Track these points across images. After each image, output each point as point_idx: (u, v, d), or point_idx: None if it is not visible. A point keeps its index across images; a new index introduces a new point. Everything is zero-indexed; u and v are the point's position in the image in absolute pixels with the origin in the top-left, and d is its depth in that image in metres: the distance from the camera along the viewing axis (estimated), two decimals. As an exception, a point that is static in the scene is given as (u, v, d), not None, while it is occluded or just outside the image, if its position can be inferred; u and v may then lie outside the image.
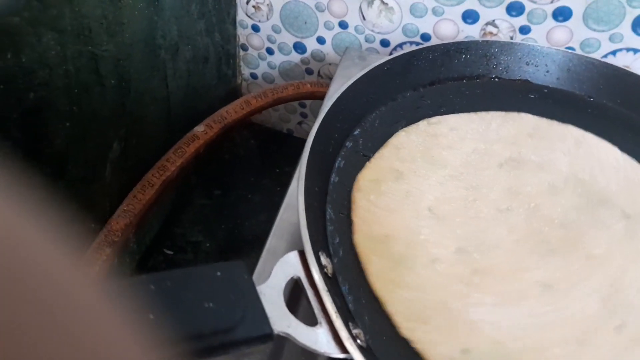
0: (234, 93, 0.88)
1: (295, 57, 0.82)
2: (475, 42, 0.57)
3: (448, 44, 0.56)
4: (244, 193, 0.84)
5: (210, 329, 0.28)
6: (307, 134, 0.88)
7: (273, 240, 0.47)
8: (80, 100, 0.48)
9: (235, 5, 0.78)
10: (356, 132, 0.51)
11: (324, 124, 0.46)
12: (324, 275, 0.36)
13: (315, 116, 0.89)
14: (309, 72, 0.83)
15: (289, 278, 0.35)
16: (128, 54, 0.54)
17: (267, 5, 0.76)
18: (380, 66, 0.53)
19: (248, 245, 0.79)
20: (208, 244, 0.77)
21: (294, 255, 0.36)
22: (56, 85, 0.44)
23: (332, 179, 0.47)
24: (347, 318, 0.35)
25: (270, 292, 0.33)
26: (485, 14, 0.67)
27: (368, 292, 0.39)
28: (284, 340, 0.39)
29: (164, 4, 0.58)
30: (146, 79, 0.59)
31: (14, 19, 0.38)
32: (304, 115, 0.91)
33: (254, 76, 0.87)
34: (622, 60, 0.65)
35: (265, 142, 0.92)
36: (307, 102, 0.88)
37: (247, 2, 0.77)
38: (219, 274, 0.31)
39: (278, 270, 0.35)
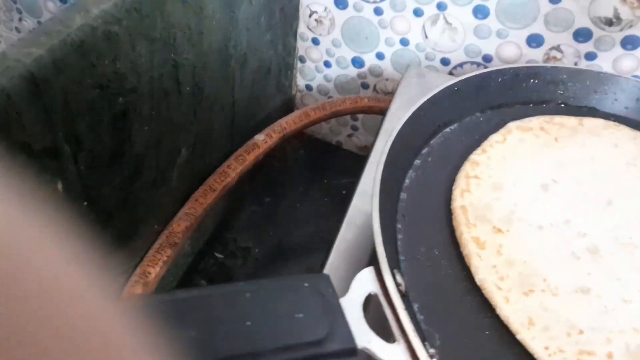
0: (289, 103, 0.89)
1: (352, 71, 0.83)
2: (545, 68, 0.57)
3: (518, 67, 0.56)
4: (293, 202, 0.85)
5: (301, 340, 0.29)
6: (357, 146, 0.90)
7: (333, 257, 0.48)
8: (160, 106, 0.50)
9: (297, 19, 0.79)
10: (424, 151, 0.51)
11: (395, 142, 0.47)
12: (400, 292, 0.36)
13: (367, 130, 0.90)
14: (365, 86, 0.84)
15: (367, 294, 0.35)
16: (204, 63, 0.56)
17: (330, 19, 0.78)
18: (451, 87, 0.53)
19: (295, 254, 0.80)
20: (257, 250, 0.78)
21: (369, 272, 0.37)
22: (142, 91, 0.46)
23: (401, 196, 0.47)
24: (422, 338, 0.35)
25: (351, 306, 0.34)
26: (551, 39, 0.67)
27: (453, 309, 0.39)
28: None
29: (239, 16, 0.59)
30: (217, 88, 0.61)
31: (114, 27, 0.40)
32: (354, 129, 0.92)
33: (308, 88, 0.89)
34: (690, 92, 0.64)
35: (314, 153, 0.93)
36: (360, 116, 0.89)
37: (310, 16, 0.79)
38: (306, 284, 0.31)
39: (355, 285, 0.35)
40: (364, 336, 0.32)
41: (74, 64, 0.39)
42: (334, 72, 0.84)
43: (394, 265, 0.39)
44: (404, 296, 0.38)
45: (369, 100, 0.77)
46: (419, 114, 0.51)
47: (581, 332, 0.39)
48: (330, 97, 0.88)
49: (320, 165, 0.92)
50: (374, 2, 0.73)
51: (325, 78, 0.86)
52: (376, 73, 0.81)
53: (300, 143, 0.94)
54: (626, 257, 0.44)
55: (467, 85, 0.54)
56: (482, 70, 0.55)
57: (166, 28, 0.47)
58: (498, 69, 0.55)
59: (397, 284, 0.37)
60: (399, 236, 0.44)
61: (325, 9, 0.77)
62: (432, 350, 0.35)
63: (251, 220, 0.81)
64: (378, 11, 0.74)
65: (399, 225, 0.45)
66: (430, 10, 0.70)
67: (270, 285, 0.30)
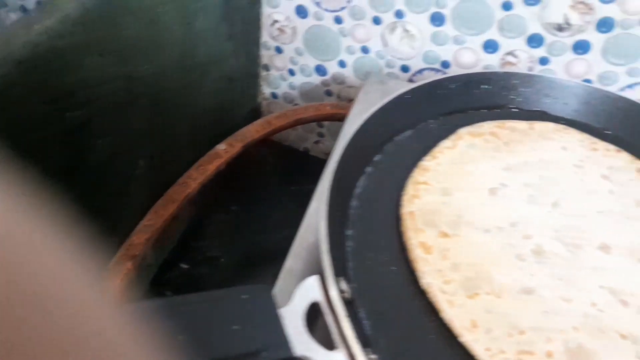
0: (255, 112, 0.90)
1: (316, 78, 0.84)
2: (497, 74, 0.58)
3: (470, 74, 0.58)
4: (261, 209, 0.85)
5: (237, 352, 0.29)
6: (324, 153, 0.90)
7: (291, 261, 0.48)
8: (115, 119, 0.50)
9: (260, 28, 0.80)
10: (376, 158, 0.52)
11: (347, 149, 0.48)
12: (343, 300, 0.37)
13: (332, 136, 0.91)
14: (329, 93, 0.85)
15: (309, 302, 0.36)
16: (161, 74, 0.56)
17: (292, 28, 0.79)
18: (403, 95, 0.54)
19: (264, 262, 0.80)
20: (224, 259, 0.78)
21: (314, 280, 0.38)
22: (95, 105, 0.46)
23: (352, 203, 0.48)
24: (364, 344, 0.36)
25: (292, 315, 0.34)
26: (506, 44, 0.68)
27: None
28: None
29: (196, 26, 0.60)
30: (176, 98, 0.61)
31: (59, 42, 0.40)
32: (321, 135, 0.93)
33: (274, 96, 0.89)
34: (639, 94, 0.66)
35: (282, 160, 0.94)
36: (325, 123, 0.89)
37: (272, 25, 0.79)
38: (244, 296, 0.32)
39: (299, 294, 0.36)
40: (303, 345, 0.33)
41: (19, 82, 0.39)
42: (298, 80, 0.85)
43: (339, 272, 0.40)
44: (349, 303, 0.39)
45: (332, 107, 0.78)
46: (372, 122, 0.52)
47: (523, 332, 0.40)
48: (296, 104, 0.89)
49: (288, 172, 0.93)
50: (334, 11, 0.74)
51: (290, 86, 0.87)
52: (339, 81, 0.82)
53: (268, 150, 0.94)
54: (570, 257, 0.45)
55: (419, 93, 0.55)
56: (433, 78, 0.56)
57: (116, 42, 0.47)
58: (449, 76, 0.57)
59: (342, 292, 0.38)
60: (349, 243, 0.45)
61: (287, 17, 0.78)
62: (373, 356, 0.36)
63: (218, 229, 0.81)
64: (338, 20, 0.75)
65: (349, 232, 0.46)
66: (388, 18, 0.72)
67: (206, 298, 0.30)
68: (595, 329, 0.41)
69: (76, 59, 0.43)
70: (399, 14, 0.71)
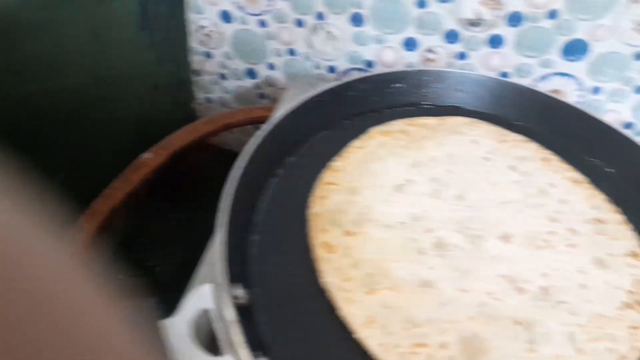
0: (191, 117, 0.90)
1: (249, 82, 0.84)
2: (407, 72, 0.59)
3: (380, 74, 0.59)
4: (200, 216, 0.85)
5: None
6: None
7: (202, 273, 0.49)
8: (24, 134, 0.50)
9: (187, 34, 0.80)
10: (288, 161, 0.53)
11: (253, 155, 0.49)
12: (236, 306, 0.38)
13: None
14: (262, 96, 0.85)
15: (200, 310, 0.37)
16: (73, 87, 0.56)
17: (219, 33, 0.79)
18: (314, 98, 0.55)
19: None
20: (160, 268, 0.78)
21: (207, 288, 0.38)
22: (2, 122, 0.46)
23: (260, 208, 0.49)
24: (256, 348, 0.36)
25: (178, 325, 0.35)
26: (425, 41, 0.70)
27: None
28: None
29: (109, 38, 0.60)
30: (93, 110, 0.61)
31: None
32: (262, 137, 0.93)
33: (209, 100, 0.89)
34: (554, 84, 0.68)
35: (222, 164, 0.94)
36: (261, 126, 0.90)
37: (199, 31, 0.80)
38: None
39: (189, 302, 0.37)
40: (186, 353, 0.34)
41: None
42: (231, 84, 0.86)
43: (238, 278, 0.40)
44: (244, 309, 0.39)
45: (262, 110, 0.78)
46: (283, 125, 0.53)
47: (418, 325, 0.41)
48: (233, 107, 0.89)
49: (227, 176, 0.93)
50: (257, 14, 0.74)
51: (224, 90, 0.87)
52: (271, 83, 0.83)
53: (207, 155, 0.94)
54: (470, 248, 0.47)
55: (330, 94, 0.56)
56: (342, 80, 0.57)
57: (18, 58, 0.47)
58: (360, 77, 0.58)
59: (235, 298, 0.39)
60: (254, 248, 0.45)
61: (213, 23, 0.78)
62: (262, 359, 0.36)
63: (155, 239, 0.81)
64: (262, 23, 0.75)
65: (255, 237, 0.46)
66: (310, 20, 0.72)
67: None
68: (490, 317, 0.42)
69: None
70: (319, 16, 0.71)
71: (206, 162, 0.93)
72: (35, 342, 0.11)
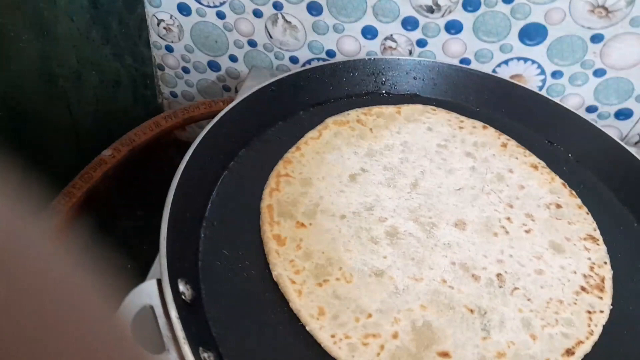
0: (156, 112, 0.88)
1: (211, 74, 0.83)
2: (363, 60, 0.59)
3: (335, 63, 0.58)
4: (168, 212, 0.84)
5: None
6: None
7: (157, 267, 0.48)
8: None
9: (147, 28, 0.78)
10: (241, 153, 0.52)
11: (202, 147, 0.48)
12: (181, 302, 0.37)
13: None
14: (226, 88, 0.84)
15: (140, 308, 0.36)
16: (17, 86, 0.54)
17: (178, 26, 0.77)
18: (266, 87, 0.54)
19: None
20: (130, 266, 0.77)
21: (151, 284, 0.37)
22: None
23: (211, 201, 0.48)
24: (200, 343, 0.36)
25: (117, 322, 0.34)
26: (383, 29, 0.69)
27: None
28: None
29: (57, 34, 0.58)
30: (44, 109, 0.59)
31: None
32: (229, 131, 0.92)
33: (174, 95, 0.88)
34: (514, 69, 0.68)
35: (191, 160, 0.93)
36: (230, 118, 0.89)
37: (158, 24, 0.78)
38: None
39: (129, 300, 0.36)
40: (126, 351, 0.33)
41: None
42: (193, 77, 0.84)
43: (180, 274, 0.40)
44: (189, 305, 0.39)
45: (224, 103, 0.77)
46: (233, 117, 0.52)
47: (370, 315, 0.40)
48: (187, 104, 0.88)
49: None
50: (215, 6, 0.73)
51: (187, 84, 0.86)
52: (234, 75, 0.82)
53: (177, 151, 0.93)
54: (423, 236, 0.46)
55: (283, 85, 0.55)
56: (296, 70, 0.56)
57: (-50, 57, 0.45)
58: (313, 67, 0.57)
59: (179, 294, 0.38)
60: (202, 244, 0.44)
61: (171, 16, 0.76)
62: (205, 354, 0.36)
63: (123, 236, 0.80)
64: (220, 14, 0.74)
65: (205, 232, 0.45)
66: (268, 10, 0.71)
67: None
68: (444, 305, 0.42)
69: None
70: (277, 6, 0.70)
71: (174, 157, 0.92)
72: (17, 322, 0.11)
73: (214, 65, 0.81)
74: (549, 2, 0.61)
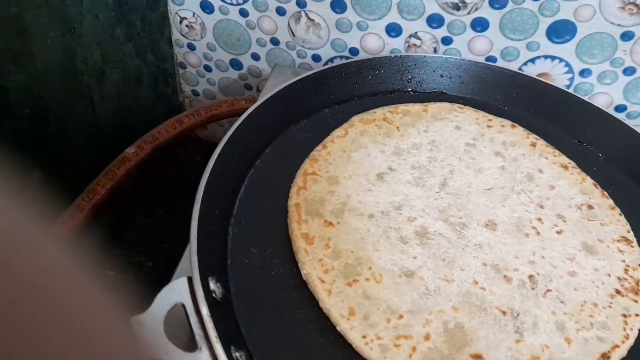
0: (177, 110, 0.88)
1: (233, 73, 0.83)
2: (388, 58, 0.58)
3: (360, 60, 0.57)
4: (188, 211, 0.84)
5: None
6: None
7: (182, 269, 0.48)
8: (-10, 132, 0.49)
9: (169, 26, 0.78)
10: (267, 151, 0.52)
11: (229, 145, 0.47)
12: (212, 300, 0.37)
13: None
14: (248, 87, 0.84)
15: (172, 305, 0.35)
16: (42, 82, 0.54)
17: (200, 24, 0.77)
18: (293, 85, 0.54)
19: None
20: (150, 264, 0.77)
21: (181, 282, 0.37)
22: (-42, 120, 0.45)
23: (238, 200, 0.47)
24: (231, 341, 0.35)
25: (150, 320, 0.34)
26: (408, 27, 0.68)
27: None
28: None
29: (82, 31, 0.58)
30: (68, 105, 0.60)
31: None
32: (249, 130, 0.92)
33: (195, 93, 0.88)
34: (541, 68, 0.67)
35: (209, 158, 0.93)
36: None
37: (181, 22, 0.78)
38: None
39: (162, 297, 0.35)
40: (160, 348, 0.32)
41: None
42: (215, 75, 0.84)
43: (210, 272, 0.39)
44: (219, 303, 0.38)
45: (247, 102, 0.77)
46: (259, 115, 0.51)
47: (401, 316, 0.40)
48: (210, 102, 0.88)
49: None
50: (238, 4, 0.73)
51: (209, 82, 0.86)
52: (255, 74, 0.81)
53: (196, 149, 0.93)
54: (454, 237, 0.46)
55: (309, 82, 0.55)
56: (322, 67, 0.56)
57: (-20, 53, 0.46)
58: (339, 64, 0.56)
59: (210, 292, 0.38)
60: (231, 241, 0.44)
61: (194, 14, 0.76)
62: (237, 353, 0.35)
63: (143, 234, 0.80)
64: (243, 12, 0.74)
65: (233, 230, 0.45)
66: (291, 8, 0.71)
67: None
68: (476, 307, 0.41)
69: None
70: (300, 3, 0.70)
71: (194, 155, 0.92)
72: (23, 328, 0.11)
73: (236, 64, 0.81)
74: (578, -1, 0.60)
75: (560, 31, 0.63)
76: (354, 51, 0.73)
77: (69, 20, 0.56)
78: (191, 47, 0.81)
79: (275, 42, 0.76)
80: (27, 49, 0.50)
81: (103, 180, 0.65)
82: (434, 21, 0.67)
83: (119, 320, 0.15)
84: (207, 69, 0.83)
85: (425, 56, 0.59)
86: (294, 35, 0.74)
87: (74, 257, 0.14)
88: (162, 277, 0.77)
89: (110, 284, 0.15)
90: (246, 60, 0.80)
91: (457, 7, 0.65)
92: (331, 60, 0.75)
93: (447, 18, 0.66)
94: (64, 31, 0.55)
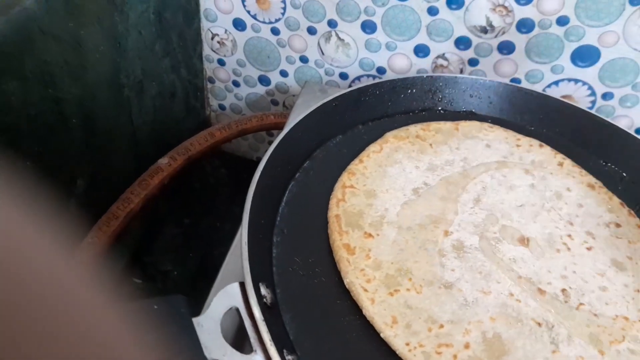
0: (204, 124, 0.90)
1: (261, 89, 0.85)
2: (421, 78, 0.60)
3: (394, 80, 0.60)
4: (214, 221, 0.86)
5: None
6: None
7: (224, 274, 0.49)
8: (44, 142, 0.51)
9: (201, 42, 0.81)
10: (306, 165, 0.54)
11: (272, 158, 0.49)
12: (263, 305, 0.38)
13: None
14: (275, 103, 0.86)
15: (227, 309, 0.37)
16: (92, 95, 0.57)
17: (231, 41, 0.80)
18: (329, 102, 0.56)
19: (217, 274, 0.81)
20: (177, 273, 0.79)
21: (234, 287, 0.39)
22: (20, 129, 0.47)
23: (280, 210, 0.49)
24: (283, 345, 0.37)
25: (208, 322, 0.35)
26: (436, 48, 0.71)
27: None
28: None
29: (127, 46, 0.61)
30: (111, 117, 0.62)
31: (-27, 69, 0.41)
32: (272, 144, 0.94)
33: (222, 107, 0.90)
34: (564, 90, 0.69)
35: (235, 171, 0.95)
36: (274, 132, 0.91)
37: (212, 38, 0.81)
38: (155, 307, 0.33)
39: (217, 301, 0.37)
40: (219, 350, 0.34)
41: None
42: (243, 91, 0.87)
43: (260, 278, 0.41)
44: (269, 308, 0.40)
45: (275, 117, 0.79)
46: (298, 130, 0.53)
47: (442, 326, 0.41)
48: (244, 115, 0.90)
49: (241, 183, 0.94)
50: (270, 22, 0.76)
51: (236, 97, 0.88)
52: (283, 90, 0.84)
53: (221, 162, 0.95)
54: (489, 251, 0.47)
55: (345, 100, 0.57)
56: (358, 85, 0.58)
57: (39, 66, 0.48)
58: (374, 82, 0.58)
59: (262, 297, 0.39)
60: (275, 249, 0.46)
61: (226, 31, 0.79)
62: (290, 357, 0.37)
63: (170, 243, 0.82)
64: (275, 31, 0.76)
65: (277, 239, 0.47)
66: (322, 27, 0.73)
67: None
68: (512, 318, 0.43)
69: (-5, 84, 0.44)
70: (332, 24, 0.72)
71: (219, 168, 0.94)
72: (33, 339, 0.11)
73: (264, 80, 0.83)
74: (603, 25, 0.63)
75: (585, 56, 0.66)
76: (381, 70, 0.75)
77: (117, 36, 0.58)
78: (221, 63, 0.84)
79: (304, 59, 0.78)
80: (80, 63, 0.53)
81: (137, 189, 0.67)
82: (462, 43, 0.69)
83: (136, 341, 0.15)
84: (236, 84, 0.86)
85: (456, 77, 0.61)
86: (323, 53, 0.76)
87: (93, 282, 0.14)
88: (188, 286, 0.79)
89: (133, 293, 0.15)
90: (274, 77, 0.83)
91: (484, 31, 0.67)
92: (358, 78, 0.78)
93: (475, 40, 0.68)
94: (111, 46, 0.58)
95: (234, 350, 0.34)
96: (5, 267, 0.12)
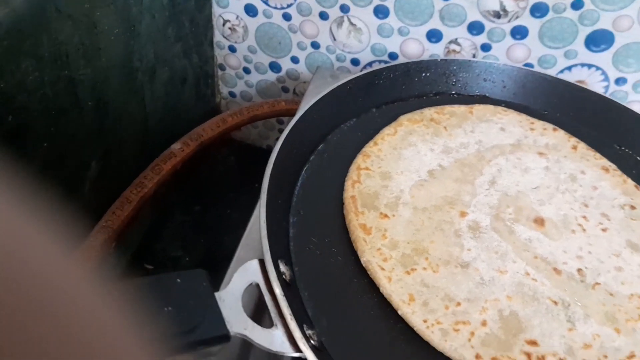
0: (214, 111, 0.91)
1: (271, 75, 0.85)
2: (435, 61, 0.60)
3: (408, 63, 0.60)
4: (224, 209, 0.86)
5: (171, 331, 0.30)
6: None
7: (242, 252, 0.50)
8: (58, 123, 0.51)
9: (212, 28, 0.81)
10: (320, 147, 0.54)
11: (288, 141, 0.49)
12: (282, 281, 0.38)
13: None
14: (285, 90, 0.86)
15: (248, 284, 0.37)
16: (105, 77, 0.57)
17: (243, 27, 0.80)
18: (343, 85, 0.56)
19: (227, 260, 0.81)
20: (187, 259, 0.79)
21: (254, 263, 0.39)
22: (35, 109, 0.47)
23: (296, 191, 0.49)
24: (302, 321, 0.37)
25: (229, 297, 0.35)
26: (448, 33, 0.70)
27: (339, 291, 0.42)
28: (250, 344, 0.41)
29: (140, 29, 0.61)
30: (124, 101, 0.62)
31: (-8, 48, 0.41)
32: (281, 132, 0.94)
33: (232, 94, 0.90)
34: (577, 75, 0.69)
35: (244, 158, 0.95)
36: (285, 119, 0.91)
37: (224, 24, 0.81)
38: (178, 281, 0.33)
39: (237, 277, 0.37)
40: (240, 323, 0.34)
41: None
42: (254, 77, 0.87)
43: (279, 256, 0.41)
44: (288, 285, 0.40)
45: (286, 103, 0.79)
46: (312, 113, 0.53)
47: (458, 304, 0.42)
48: (254, 102, 0.90)
49: (250, 170, 0.94)
50: (282, 8, 0.75)
51: (247, 84, 0.88)
52: (293, 77, 0.84)
53: (230, 149, 0.95)
54: (505, 232, 0.47)
55: (359, 83, 0.57)
56: (371, 69, 0.58)
57: (55, 46, 0.48)
58: (388, 65, 0.58)
59: (281, 274, 0.40)
60: (292, 229, 0.46)
61: (237, 17, 0.79)
62: (310, 332, 0.37)
63: (181, 230, 0.82)
64: (286, 16, 0.76)
65: (293, 219, 0.47)
66: (334, 13, 0.73)
67: (138, 283, 0.32)
68: (528, 297, 0.43)
69: (12, 63, 0.44)
70: (344, 9, 0.72)
71: (228, 156, 0.94)
72: (33, 337, 0.11)
73: (275, 67, 0.83)
74: (617, 9, 0.62)
75: (599, 40, 0.65)
76: (393, 56, 0.75)
77: (131, 19, 0.58)
78: (232, 49, 0.84)
79: (315, 45, 0.78)
80: (95, 44, 0.53)
81: (150, 174, 0.68)
82: (475, 28, 0.69)
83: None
84: (246, 70, 0.86)
85: (470, 60, 0.61)
86: (334, 39, 0.76)
87: (96, 279, 0.14)
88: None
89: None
90: (285, 63, 0.83)
91: (498, 15, 0.67)
92: (370, 64, 0.78)
93: (488, 25, 0.68)
94: (125, 29, 0.58)
95: (254, 324, 0.35)
96: (12, 256, 0.12)
